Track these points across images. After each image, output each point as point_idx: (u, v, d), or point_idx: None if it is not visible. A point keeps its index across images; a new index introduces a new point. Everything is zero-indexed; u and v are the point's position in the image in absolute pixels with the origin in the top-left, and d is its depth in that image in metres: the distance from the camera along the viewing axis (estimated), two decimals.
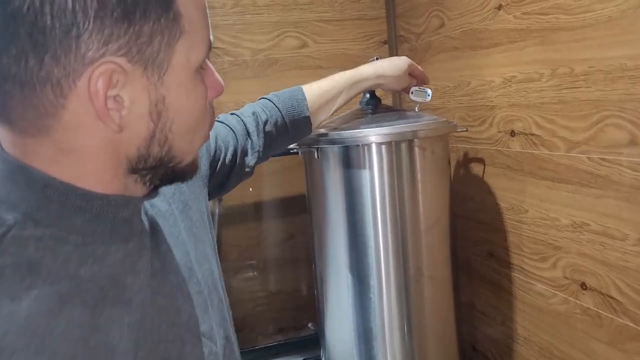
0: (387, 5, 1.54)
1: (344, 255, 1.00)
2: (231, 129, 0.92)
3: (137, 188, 0.52)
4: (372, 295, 0.98)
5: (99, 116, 0.44)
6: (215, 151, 0.87)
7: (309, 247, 1.16)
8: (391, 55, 1.54)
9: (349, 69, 1.13)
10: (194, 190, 0.75)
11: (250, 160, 0.92)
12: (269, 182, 1.48)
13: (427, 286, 1.00)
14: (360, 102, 1.08)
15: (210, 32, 0.51)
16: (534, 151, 1.02)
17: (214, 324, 0.62)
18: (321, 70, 1.46)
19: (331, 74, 1.08)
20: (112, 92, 0.44)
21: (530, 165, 1.03)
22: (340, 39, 1.49)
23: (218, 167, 0.88)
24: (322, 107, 0.98)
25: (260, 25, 1.43)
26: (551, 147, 0.97)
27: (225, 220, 1.44)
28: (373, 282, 0.98)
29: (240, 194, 1.44)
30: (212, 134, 0.84)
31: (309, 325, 1.43)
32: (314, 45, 1.47)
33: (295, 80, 1.43)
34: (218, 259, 0.73)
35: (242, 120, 0.93)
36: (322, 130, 1.01)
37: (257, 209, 1.50)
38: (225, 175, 0.91)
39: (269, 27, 1.44)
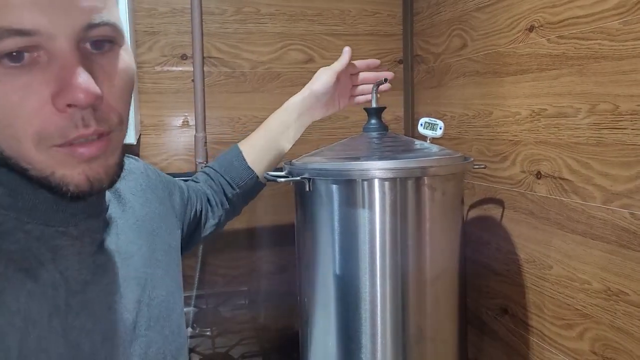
0: (404, 21, 1.40)
1: (333, 307, 0.85)
2: (196, 192, 0.91)
3: None
4: (363, 357, 0.83)
5: None
6: (189, 199, 0.86)
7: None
8: (406, 75, 1.40)
9: None
10: (167, 223, 0.74)
11: (211, 223, 0.92)
12: (262, 207, 1.34)
13: (429, 350, 0.85)
14: (365, 128, 0.93)
15: (12, 22, 0.42)
16: (563, 198, 0.87)
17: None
18: None
19: None
20: None
21: (558, 214, 0.88)
22: None
23: (191, 217, 0.87)
24: (263, 154, 0.96)
25: (263, 36, 1.30)
26: (585, 196, 0.82)
27: (212, 248, 1.31)
28: (365, 341, 0.83)
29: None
30: (183, 185, 0.87)
31: None
32: (321, 61, 1.33)
33: None
34: (182, 292, 0.72)
35: (201, 188, 0.93)
36: (317, 159, 0.87)
37: (248, 236, 1.35)
38: (192, 228, 0.89)
39: (272, 38, 1.31)
